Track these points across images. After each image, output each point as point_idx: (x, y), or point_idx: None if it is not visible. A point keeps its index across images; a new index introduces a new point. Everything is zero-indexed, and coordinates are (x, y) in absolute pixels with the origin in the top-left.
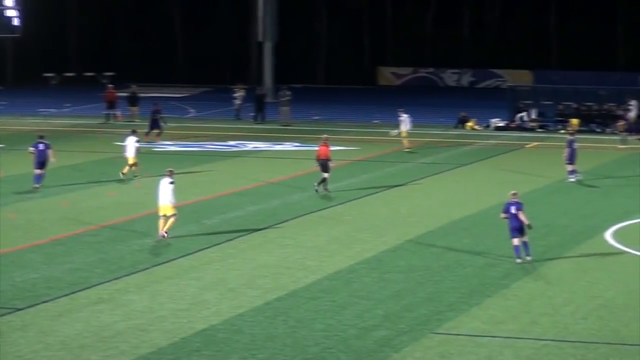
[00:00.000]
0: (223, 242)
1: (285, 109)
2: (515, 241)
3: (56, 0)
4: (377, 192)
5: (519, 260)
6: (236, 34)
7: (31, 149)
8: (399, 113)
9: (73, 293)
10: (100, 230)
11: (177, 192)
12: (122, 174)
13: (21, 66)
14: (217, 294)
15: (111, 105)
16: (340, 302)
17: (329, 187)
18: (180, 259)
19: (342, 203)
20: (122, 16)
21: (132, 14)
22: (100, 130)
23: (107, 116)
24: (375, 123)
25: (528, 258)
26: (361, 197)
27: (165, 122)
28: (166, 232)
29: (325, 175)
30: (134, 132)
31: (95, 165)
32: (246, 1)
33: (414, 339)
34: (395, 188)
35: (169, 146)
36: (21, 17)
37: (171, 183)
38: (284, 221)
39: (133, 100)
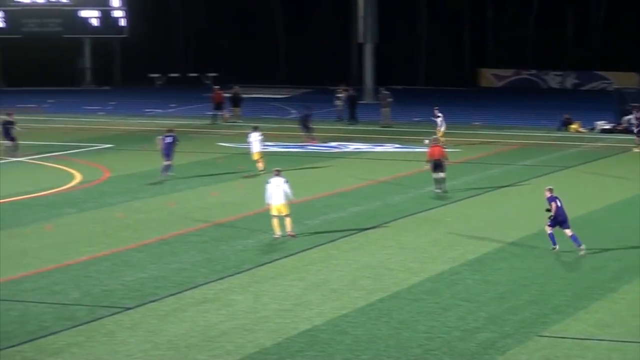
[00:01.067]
0: (325, 243)
1: (385, 110)
2: (569, 232)
3: (162, 1)
4: (479, 194)
5: (556, 247)
6: (337, 35)
7: (159, 140)
8: (435, 112)
9: (179, 292)
10: (205, 230)
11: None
12: (260, 170)
13: (128, 67)
14: (320, 295)
15: (218, 106)
16: (443, 304)
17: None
18: (284, 260)
19: (444, 205)
20: (225, 17)
21: (235, 15)
22: (204, 130)
23: (214, 117)
24: (476, 125)
25: (582, 248)
26: (463, 199)
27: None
28: (293, 231)
29: (442, 175)
30: (255, 129)
31: (199, 165)
32: (347, 2)
33: (519, 341)
34: (497, 190)
35: (271, 147)
36: (128, 18)
37: (286, 182)
38: (386, 222)
39: (236, 101)
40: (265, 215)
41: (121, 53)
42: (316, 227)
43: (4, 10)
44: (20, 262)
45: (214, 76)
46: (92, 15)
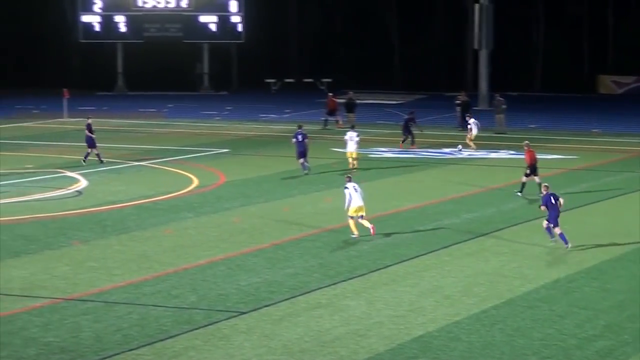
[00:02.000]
0: (438, 249)
1: (500, 116)
2: (557, 230)
3: (278, 6)
4: (597, 202)
5: (568, 246)
6: (452, 41)
7: (293, 140)
8: (467, 119)
9: (293, 297)
10: (318, 236)
11: (391, 199)
12: (354, 169)
13: (245, 72)
14: (433, 301)
15: (332, 112)
16: (559, 311)
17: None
18: (396, 266)
19: (561, 212)
20: (340, 22)
21: (350, 21)
22: (318, 136)
23: (325, 122)
24: (595, 132)
25: (568, 246)
26: (580, 207)
27: (421, 130)
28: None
29: (537, 179)
30: (352, 127)
31: (313, 170)
32: (462, 8)
33: (638, 349)
34: (617, 198)
35: (384, 153)
36: (245, 23)
37: (359, 186)
38: (500, 229)
39: (350, 107)
40: (379, 220)
41: (238, 58)
42: (429, 233)
43: (126, 15)
44: (141, 265)
45: (328, 82)
46: (210, 21)
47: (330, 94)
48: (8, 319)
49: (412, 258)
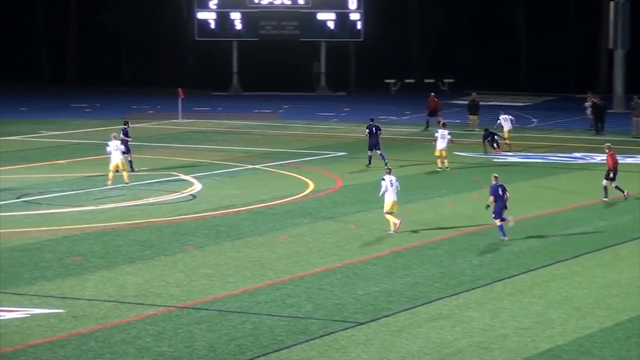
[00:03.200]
0: (568, 259)
1: (638, 120)
2: (498, 222)
3: (399, 4)
4: None
5: (505, 239)
6: (584, 41)
7: (366, 131)
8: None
9: (413, 308)
10: (439, 243)
11: (517, 205)
12: (443, 167)
13: (363, 72)
14: (562, 313)
15: (433, 112)
16: None
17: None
18: (522, 275)
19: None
20: (464, 21)
21: (474, 19)
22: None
23: (427, 124)
24: None
25: (505, 239)
26: None
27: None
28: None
29: (614, 184)
30: (444, 125)
31: (434, 175)
32: (596, 6)
33: None
34: None
35: (509, 157)
36: (364, 21)
37: (397, 181)
38: (635, 238)
39: (473, 109)
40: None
41: (356, 58)
42: (558, 241)
43: (241, 13)
44: (255, 272)
45: (450, 82)
46: (328, 18)
47: (432, 94)
48: (123, 327)
49: (539, 268)
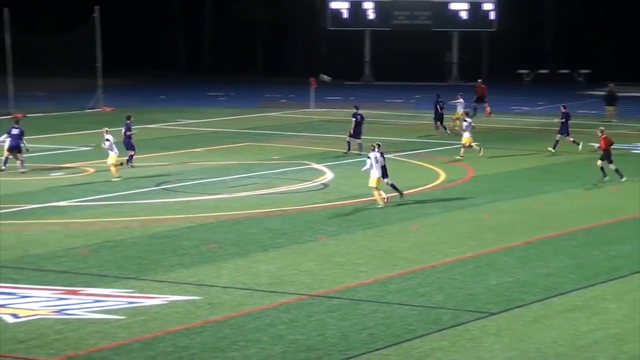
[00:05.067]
0: None
1: None
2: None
3: None
4: None
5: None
6: None
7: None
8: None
9: (546, 299)
10: (574, 234)
11: None
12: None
13: (495, 62)
14: None
15: (481, 99)
16: None
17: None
18: None
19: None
20: (602, 10)
21: (613, 9)
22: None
23: (475, 110)
24: None
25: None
26: None
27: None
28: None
29: (612, 165)
30: (467, 114)
31: (567, 166)
32: None
33: None
34: None
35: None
36: (497, 11)
37: (382, 156)
38: None
39: (611, 100)
40: None
41: (489, 47)
42: None
43: (374, 3)
44: (387, 262)
45: (586, 73)
46: (461, 8)
47: (480, 80)
48: (257, 315)
49: None
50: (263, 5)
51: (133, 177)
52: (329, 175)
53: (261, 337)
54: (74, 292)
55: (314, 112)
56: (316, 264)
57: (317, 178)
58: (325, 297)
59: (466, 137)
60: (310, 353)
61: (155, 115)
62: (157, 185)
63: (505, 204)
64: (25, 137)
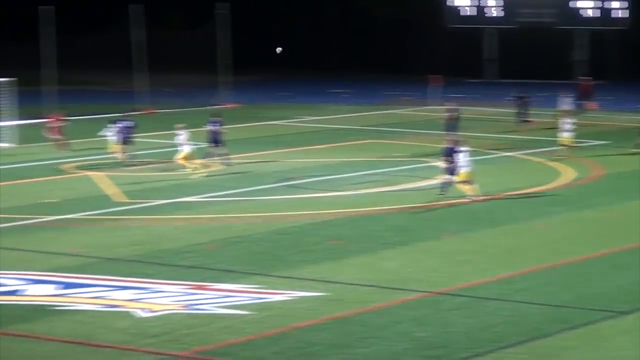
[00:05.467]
0: None
1: None
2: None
3: None
4: None
5: None
6: None
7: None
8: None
9: None
10: None
11: None
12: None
13: (626, 60)
14: None
15: (582, 96)
16: None
17: None
18: None
19: None
20: None
21: None
22: None
23: (579, 106)
24: None
25: None
26: None
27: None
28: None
29: None
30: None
31: None
32: None
33: None
34: None
35: None
36: (631, 9)
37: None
38: None
39: None
40: None
41: (619, 45)
42: None
43: (497, 0)
44: (512, 260)
45: None
46: (587, 7)
47: (582, 77)
48: (382, 311)
49: None
50: (385, 2)
51: (256, 174)
52: None
53: (386, 334)
54: (203, 287)
55: (435, 110)
56: (440, 261)
57: (437, 176)
58: (449, 294)
59: (565, 136)
60: (435, 350)
61: (278, 112)
62: (279, 182)
63: (635, 202)
64: (156, 133)
